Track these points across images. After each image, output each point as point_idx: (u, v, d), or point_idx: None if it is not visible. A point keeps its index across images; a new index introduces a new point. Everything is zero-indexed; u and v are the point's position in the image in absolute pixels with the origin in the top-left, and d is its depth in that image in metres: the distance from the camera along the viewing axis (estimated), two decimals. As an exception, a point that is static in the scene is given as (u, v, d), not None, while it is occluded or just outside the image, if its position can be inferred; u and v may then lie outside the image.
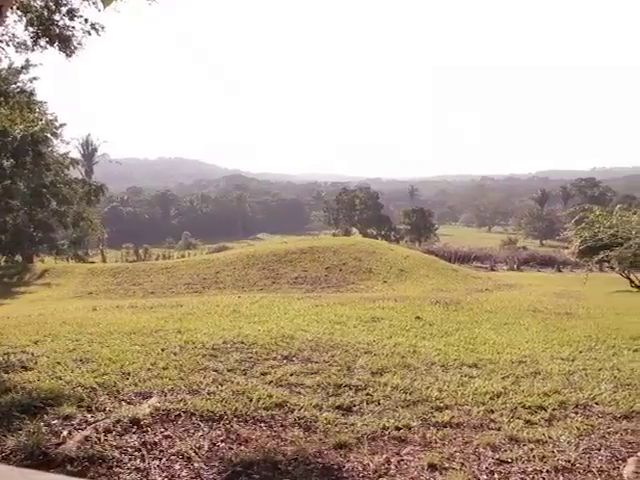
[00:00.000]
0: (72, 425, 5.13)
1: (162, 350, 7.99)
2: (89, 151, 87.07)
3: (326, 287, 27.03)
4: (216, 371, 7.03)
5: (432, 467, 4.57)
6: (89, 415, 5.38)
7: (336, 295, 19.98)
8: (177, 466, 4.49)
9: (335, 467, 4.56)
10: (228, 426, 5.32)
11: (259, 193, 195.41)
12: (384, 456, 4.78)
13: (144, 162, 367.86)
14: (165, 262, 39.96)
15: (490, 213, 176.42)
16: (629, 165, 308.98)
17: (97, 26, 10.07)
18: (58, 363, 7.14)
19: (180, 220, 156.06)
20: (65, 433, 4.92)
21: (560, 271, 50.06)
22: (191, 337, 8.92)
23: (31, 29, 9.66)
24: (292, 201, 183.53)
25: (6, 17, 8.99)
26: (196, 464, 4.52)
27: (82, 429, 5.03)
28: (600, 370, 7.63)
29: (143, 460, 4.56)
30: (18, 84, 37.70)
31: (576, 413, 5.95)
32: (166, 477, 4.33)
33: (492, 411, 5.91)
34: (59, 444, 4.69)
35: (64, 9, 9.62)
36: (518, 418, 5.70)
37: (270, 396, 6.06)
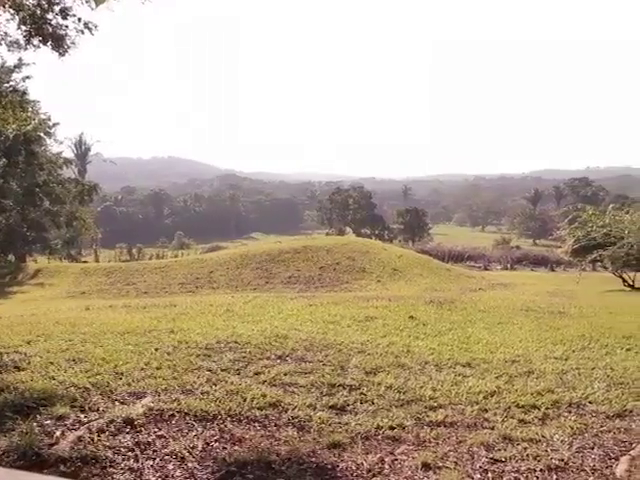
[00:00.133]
0: (65, 425, 5.12)
1: (155, 350, 7.98)
2: (82, 150, 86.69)
3: (320, 287, 27.03)
4: (210, 371, 7.02)
5: (426, 466, 4.58)
6: (82, 415, 5.37)
7: (330, 295, 19.97)
8: (171, 466, 4.48)
9: (329, 467, 4.56)
10: (222, 426, 5.32)
11: (253, 193, 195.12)
12: (378, 455, 4.78)
13: (138, 161, 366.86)
14: (158, 262, 39.86)
15: (483, 213, 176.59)
16: (622, 165, 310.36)
17: (90, 25, 10.04)
18: (51, 363, 7.13)
19: (174, 220, 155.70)
20: (58, 433, 4.90)
21: (553, 270, 50.20)
22: (184, 337, 8.91)
23: (24, 28, 9.62)
24: (286, 201, 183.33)
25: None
26: (190, 464, 4.52)
27: (75, 429, 5.02)
28: (593, 369, 7.66)
29: (137, 460, 4.55)
30: (11, 83, 37.58)
31: (569, 412, 5.96)
32: (160, 477, 4.32)
33: (486, 410, 5.92)
34: (52, 444, 4.68)
35: (57, 8, 9.58)
36: (512, 417, 5.72)
37: (264, 396, 6.06)
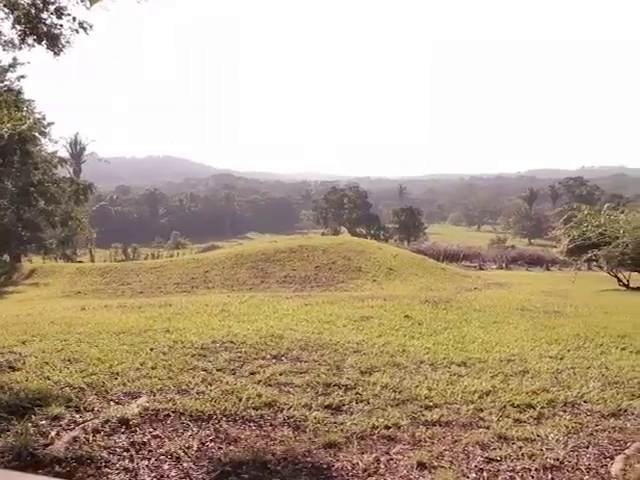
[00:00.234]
0: (60, 426, 5.11)
1: (151, 350, 7.97)
2: (77, 150, 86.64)
3: (315, 286, 27.02)
4: (205, 371, 7.02)
5: (421, 466, 4.59)
6: (77, 415, 5.37)
7: (325, 294, 19.96)
8: (166, 466, 4.48)
9: (324, 466, 4.56)
10: (217, 426, 5.32)
11: (248, 192, 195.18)
12: (373, 455, 4.78)
13: (133, 161, 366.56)
14: (154, 262, 39.84)
15: (479, 212, 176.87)
16: (617, 164, 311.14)
17: (85, 24, 10.01)
18: (46, 363, 7.11)
19: (169, 219, 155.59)
20: (53, 434, 4.89)
21: (549, 270, 50.35)
22: (180, 337, 8.90)
23: (18, 27, 9.59)
24: (281, 200, 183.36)
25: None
26: (185, 464, 4.52)
27: (70, 429, 5.02)
28: (588, 368, 7.68)
29: (132, 460, 4.55)
30: (5, 82, 37.48)
31: (564, 411, 5.98)
32: (155, 477, 4.32)
33: (481, 410, 5.93)
34: (47, 445, 4.67)
35: (52, 7, 9.55)
36: (507, 416, 5.73)
37: (259, 395, 6.06)
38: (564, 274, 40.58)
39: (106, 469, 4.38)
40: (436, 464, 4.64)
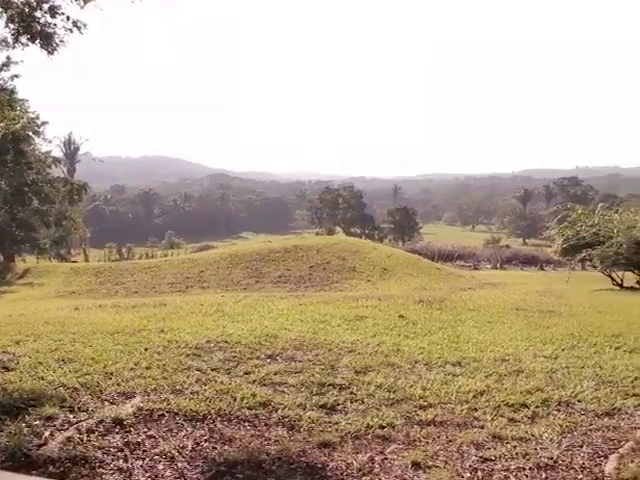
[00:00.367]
0: (54, 426, 5.09)
1: (145, 350, 7.96)
2: (71, 150, 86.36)
3: (310, 286, 27.01)
4: (200, 370, 7.01)
5: (416, 465, 4.59)
6: (71, 415, 5.35)
7: (320, 294, 19.97)
8: (160, 466, 4.47)
9: (319, 466, 4.56)
10: (212, 426, 5.31)
11: (243, 192, 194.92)
12: (368, 455, 4.79)
13: (127, 160, 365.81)
14: (148, 261, 39.75)
15: (473, 212, 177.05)
16: (611, 164, 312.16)
17: (79, 24, 9.98)
18: (40, 363, 7.09)
19: (164, 219, 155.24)
20: (47, 434, 4.88)
21: (543, 269, 50.43)
22: (174, 336, 8.89)
23: (12, 26, 9.55)
24: (276, 200, 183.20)
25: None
26: (180, 464, 4.51)
27: (64, 430, 5.00)
28: (582, 368, 7.69)
29: (126, 460, 4.54)
30: (-1, 81, 37.31)
31: (558, 411, 5.99)
32: (149, 477, 4.31)
33: (475, 409, 5.94)
34: (41, 445, 4.66)
35: (46, 6, 9.52)
36: (501, 416, 5.74)
37: (254, 395, 6.06)
38: (558, 274, 40.68)
39: (100, 469, 4.37)
40: (431, 464, 4.64)
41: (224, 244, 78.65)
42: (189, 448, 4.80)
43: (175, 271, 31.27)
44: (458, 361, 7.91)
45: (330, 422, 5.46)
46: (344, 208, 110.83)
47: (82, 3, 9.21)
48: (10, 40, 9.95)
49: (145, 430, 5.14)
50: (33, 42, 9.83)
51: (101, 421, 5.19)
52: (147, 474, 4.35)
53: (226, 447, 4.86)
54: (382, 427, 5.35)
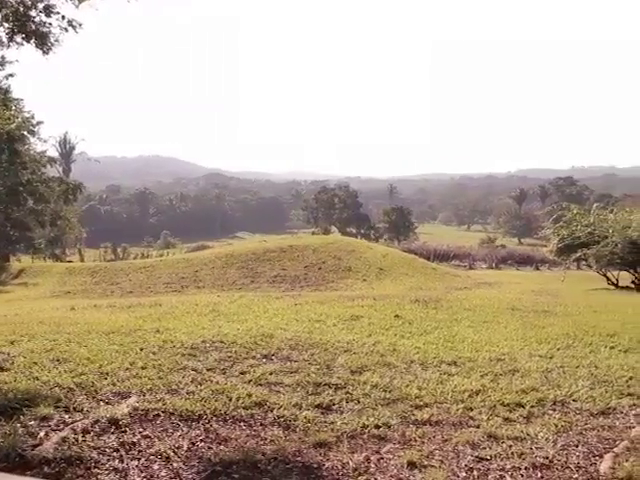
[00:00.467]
0: (49, 426, 5.08)
1: (141, 350, 7.95)
2: (66, 149, 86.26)
3: (305, 286, 27.00)
4: (195, 370, 7.01)
5: (412, 465, 4.59)
6: (67, 416, 5.34)
7: (315, 294, 19.96)
8: (156, 466, 4.47)
9: (315, 466, 4.56)
10: (207, 425, 5.31)
11: (239, 192, 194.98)
12: (364, 454, 4.79)
13: (123, 160, 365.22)
14: (144, 261, 39.68)
15: (469, 211, 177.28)
16: (606, 164, 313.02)
17: (74, 23, 9.96)
18: (35, 363, 7.08)
19: (159, 219, 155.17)
20: (42, 434, 4.87)
21: (538, 269, 50.52)
22: (170, 336, 8.88)
23: (6, 25, 9.53)
24: (271, 200, 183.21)
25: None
26: (175, 464, 4.51)
27: (59, 430, 4.99)
28: (577, 367, 7.71)
29: (122, 461, 4.53)
30: (-7, 81, 37.21)
31: (554, 410, 6.01)
32: (145, 477, 4.31)
33: (471, 409, 5.95)
34: (36, 445, 4.65)
35: (40, 5, 9.50)
36: (497, 415, 5.75)
37: (249, 395, 6.06)
38: (553, 273, 40.79)
39: (95, 470, 4.36)
40: (426, 463, 4.65)
41: (220, 244, 78.64)
42: (185, 448, 4.80)
43: (170, 271, 31.22)
44: (454, 361, 7.92)
45: (326, 422, 5.46)
46: (340, 208, 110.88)
47: (77, 2, 9.19)
48: (5, 39, 9.92)
49: (140, 430, 5.13)
50: (28, 41, 9.81)
51: (96, 421, 5.18)
52: (142, 474, 4.34)
53: (222, 447, 4.86)
54: (378, 427, 5.36)
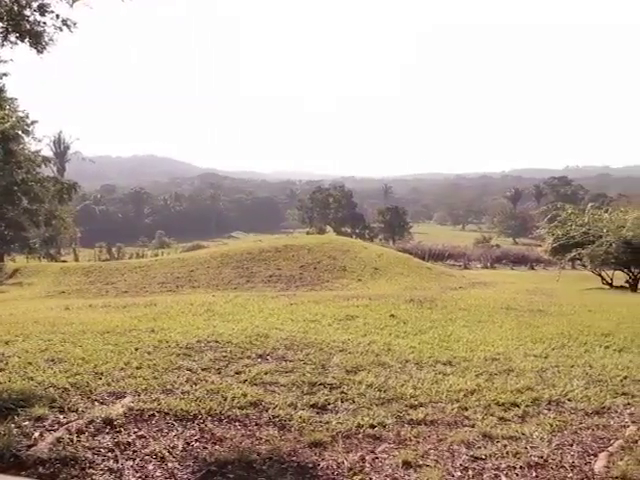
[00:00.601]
0: (44, 426, 5.07)
1: (136, 349, 7.93)
2: (61, 149, 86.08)
3: (300, 285, 27.02)
4: (190, 370, 7.00)
5: (407, 464, 4.60)
6: (61, 416, 5.33)
7: (310, 293, 19.96)
8: (151, 466, 4.46)
9: (310, 465, 4.56)
10: (202, 425, 5.30)
11: (233, 191, 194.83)
12: (359, 454, 4.79)
13: (117, 160, 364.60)
14: (139, 261, 39.65)
15: (464, 211, 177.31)
16: (601, 164, 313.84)
17: (69, 22, 9.93)
18: (29, 363, 7.05)
19: (154, 219, 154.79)
20: (37, 435, 4.86)
21: (533, 269, 50.71)
22: (165, 336, 8.86)
23: (0, 24, 9.50)
24: (266, 199, 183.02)
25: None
26: (170, 464, 4.50)
27: (54, 430, 4.98)
28: (572, 367, 7.73)
29: (116, 461, 4.52)
30: (-13, 81, 37.08)
31: (549, 409, 6.02)
32: (140, 477, 4.30)
33: (466, 408, 5.95)
34: (30, 446, 4.63)
35: (35, 4, 9.46)
36: (492, 415, 5.76)
37: (244, 395, 6.05)
38: (548, 273, 40.91)
39: (90, 470, 4.35)
40: (421, 463, 4.65)
41: (215, 244, 78.62)
42: (180, 448, 4.79)
43: (165, 271, 31.19)
44: (449, 360, 7.93)
45: (321, 421, 5.46)
46: (335, 208, 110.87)
47: (71, 1, 9.16)
48: (-2, 38, 9.88)
49: (135, 430, 5.12)
50: (22, 40, 9.77)
51: (91, 421, 5.17)
52: (137, 474, 4.33)
53: (217, 447, 4.86)
54: (373, 426, 5.36)
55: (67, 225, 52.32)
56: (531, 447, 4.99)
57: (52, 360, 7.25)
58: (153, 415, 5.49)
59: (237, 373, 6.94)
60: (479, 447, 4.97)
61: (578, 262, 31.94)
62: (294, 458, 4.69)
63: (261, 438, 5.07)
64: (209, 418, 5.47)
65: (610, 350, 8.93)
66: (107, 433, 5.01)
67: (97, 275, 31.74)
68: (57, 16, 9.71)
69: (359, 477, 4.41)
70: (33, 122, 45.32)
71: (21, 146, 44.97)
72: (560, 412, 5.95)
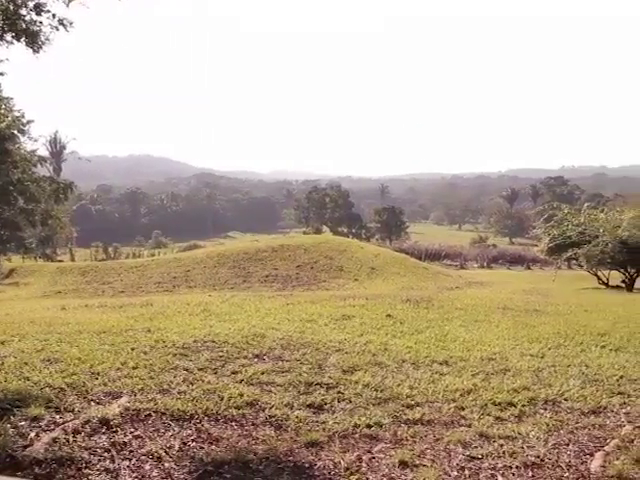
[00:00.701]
0: (40, 426, 5.06)
1: (132, 349, 7.93)
2: (57, 149, 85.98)
3: (297, 285, 27.02)
4: (187, 370, 6.99)
5: (403, 464, 4.60)
6: (57, 416, 5.32)
7: (307, 293, 19.96)
8: (147, 466, 4.45)
9: (306, 465, 4.56)
10: (199, 425, 5.30)
11: (230, 191, 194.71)
12: (355, 454, 4.79)
13: (114, 160, 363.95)
14: (135, 261, 39.60)
15: (460, 211, 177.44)
16: (597, 164, 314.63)
17: (65, 22, 9.92)
18: (26, 363, 7.05)
19: (150, 218, 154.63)
20: (33, 435, 4.85)
21: (529, 269, 50.72)
22: (161, 336, 8.86)
23: (-4, 24, 9.48)
24: (263, 199, 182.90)
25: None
26: (167, 464, 4.49)
27: (50, 430, 4.97)
28: (568, 366, 7.74)
29: (113, 461, 4.51)
30: (-17, 80, 36.96)
31: (545, 409, 6.03)
32: (136, 478, 4.29)
33: (462, 408, 5.96)
34: (26, 446, 4.62)
35: (31, 3, 9.45)
36: (488, 415, 5.76)
37: (241, 395, 6.05)
38: (545, 273, 40.96)
39: (87, 470, 4.34)
40: (418, 462, 4.65)
41: (211, 243, 78.50)
42: (176, 448, 4.78)
43: (162, 270, 31.16)
44: (445, 360, 7.93)
45: (317, 421, 5.45)
46: (331, 207, 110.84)
47: (67, 1, 9.15)
48: (-6, 38, 9.86)
49: (132, 430, 5.12)
50: (18, 40, 9.75)
51: (87, 421, 5.16)
52: (134, 474, 4.33)
53: (213, 447, 4.85)
54: (369, 426, 5.36)
55: (63, 225, 52.12)
56: (527, 447, 4.99)
57: (48, 360, 7.24)
58: (149, 415, 5.48)
59: (234, 373, 6.94)
60: (476, 447, 4.97)
61: (574, 262, 31.99)
62: (291, 458, 4.69)
63: (258, 438, 5.06)
64: (206, 418, 5.47)
65: (606, 350, 8.94)
66: (103, 433, 5.01)
67: (93, 275, 31.71)
68: (53, 15, 9.69)
69: (356, 477, 4.41)
70: (29, 122, 45.12)
71: (17, 146, 44.77)
72: (556, 412, 5.95)
